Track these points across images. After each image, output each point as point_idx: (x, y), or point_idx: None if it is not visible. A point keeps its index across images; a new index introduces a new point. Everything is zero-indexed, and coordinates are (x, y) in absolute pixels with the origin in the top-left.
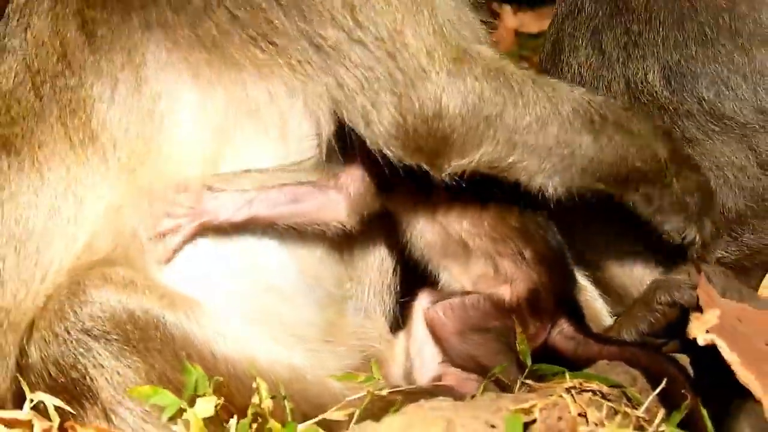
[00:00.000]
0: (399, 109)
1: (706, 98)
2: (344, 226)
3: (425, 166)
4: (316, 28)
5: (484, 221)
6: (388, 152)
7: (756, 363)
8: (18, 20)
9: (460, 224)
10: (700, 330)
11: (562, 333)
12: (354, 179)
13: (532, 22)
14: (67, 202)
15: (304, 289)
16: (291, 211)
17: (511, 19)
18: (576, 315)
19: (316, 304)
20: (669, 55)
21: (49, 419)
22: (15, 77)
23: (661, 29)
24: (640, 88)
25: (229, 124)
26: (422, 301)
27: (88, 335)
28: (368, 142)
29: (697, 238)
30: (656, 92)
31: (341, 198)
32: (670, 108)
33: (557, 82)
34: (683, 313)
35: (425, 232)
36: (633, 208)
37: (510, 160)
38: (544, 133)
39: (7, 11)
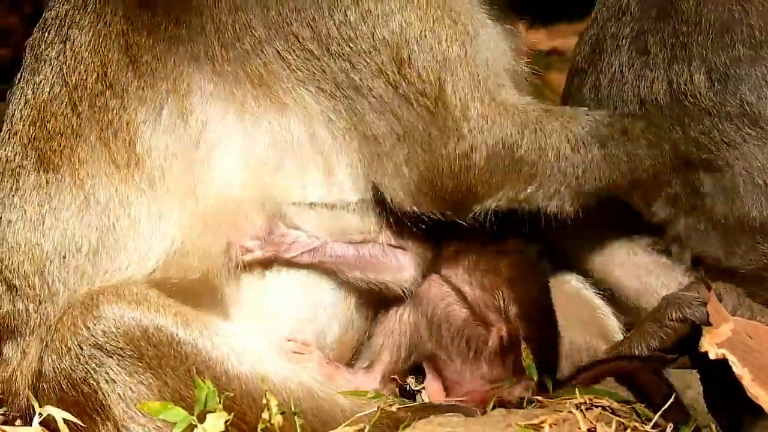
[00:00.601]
0: (428, 165)
1: (747, 101)
2: (405, 289)
3: (449, 213)
4: (365, 79)
5: (478, 269)
6: (414, 208)
7: (766, 378)
8: (57, 30)
9: (456, 271)
10: (711, 344)
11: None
12: (416, 238)
13: (544, 40)
14: (120, 222)
15: (319, 312)
16: (355, 267)
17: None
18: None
19: (333, 323)
20: (716, 57)
21: None
22: (51, 89)
23: (710, 31)
24: (683, 88)
25: (277, 158)
26: None
27: (101, 350)
28: (390, 197)
29: (675, 232)
30: (700, 93)
31: (407, 259)
32: (713, 110)
33: (568, 108)
34: (694, 329)
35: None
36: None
37: (528, 192)
38: (559, 161)
39: (45, 16)
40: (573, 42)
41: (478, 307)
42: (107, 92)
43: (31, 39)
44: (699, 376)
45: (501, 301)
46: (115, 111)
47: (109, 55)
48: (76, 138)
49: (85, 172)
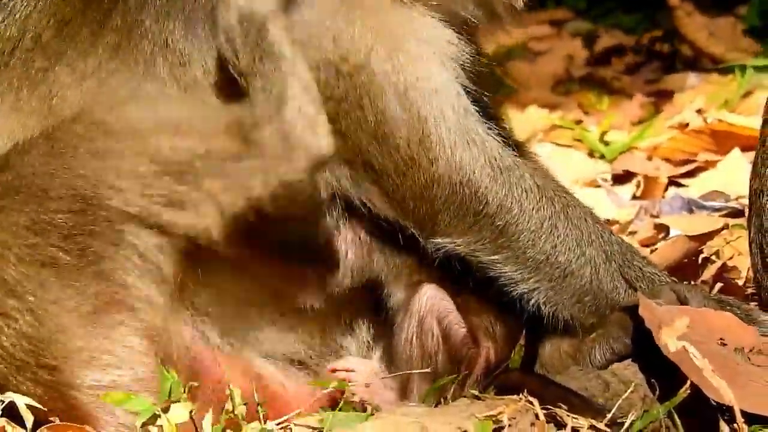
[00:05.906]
0: None
1: None
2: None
3: None
4: None
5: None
6: None
7: (725, 366)
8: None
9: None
10: (671, 338)
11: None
12: (355, 236)
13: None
14: None
15: None
16: None
17: None
18: None
19: None
20: None
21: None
22: None
23: None
24: None
25: None
26: None
27: None
28: None
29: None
30: None
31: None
32: None
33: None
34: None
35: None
36: None
37: None
38: None
39: None
40: (534, 31)
41: (471, 325)
42: (38, 52)
43: None
44: (660, 371)
45: (486, 322)
46: (43, 70)
47: (44, 32)
48: None
49: None
